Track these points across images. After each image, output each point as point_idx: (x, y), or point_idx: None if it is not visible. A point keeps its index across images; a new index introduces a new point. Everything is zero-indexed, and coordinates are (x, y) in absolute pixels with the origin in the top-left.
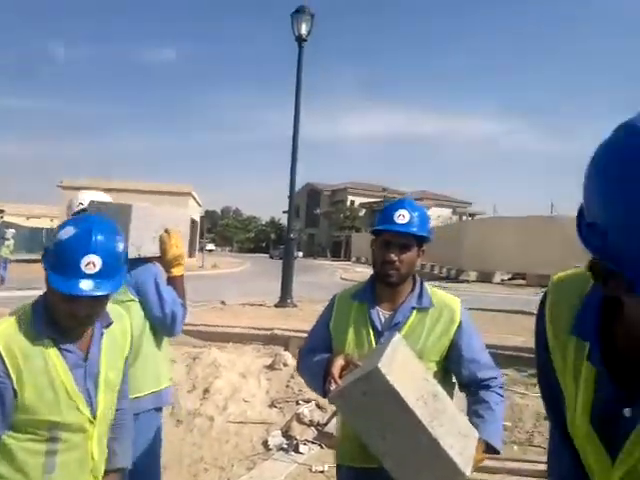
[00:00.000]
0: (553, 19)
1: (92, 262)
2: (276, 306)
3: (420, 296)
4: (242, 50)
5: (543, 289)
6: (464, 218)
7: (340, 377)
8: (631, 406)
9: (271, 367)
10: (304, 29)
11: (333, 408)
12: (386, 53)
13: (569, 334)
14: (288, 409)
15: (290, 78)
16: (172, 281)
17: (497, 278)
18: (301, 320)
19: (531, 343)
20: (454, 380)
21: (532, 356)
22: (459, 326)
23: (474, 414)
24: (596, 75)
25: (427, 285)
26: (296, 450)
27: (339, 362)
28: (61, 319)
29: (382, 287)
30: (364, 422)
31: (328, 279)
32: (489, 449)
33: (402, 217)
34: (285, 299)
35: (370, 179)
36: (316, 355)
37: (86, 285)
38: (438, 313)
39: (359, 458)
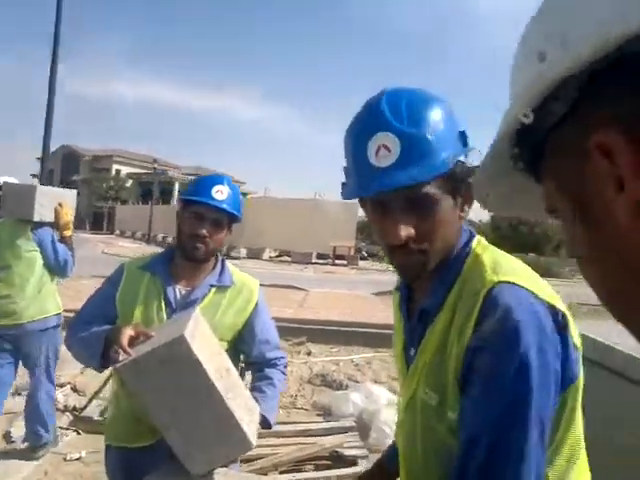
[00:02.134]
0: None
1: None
2: None
3: (221, 274)
4: None
5: (306, 265)
6: None
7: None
8: (415, 347)
9: None
10: None
11: (92, 391)
12: (165, 25)
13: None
14: None
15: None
16: (64, 240)
17: (266, 255)
18: (60, 296)
19: (299, 314)
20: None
21: (298, 326)
22: (255, 307)
23: (257, 389)
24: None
25: (228, 263)
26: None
27: (128, 332)
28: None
29: (182, 262)
30: (154, 394)
31: (88, 253)
32: (264, 423)
33: (220, 193)
34: None
35: (140, 149)
36: (89, 327)
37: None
38: (237, 292)
39: (131, 437)
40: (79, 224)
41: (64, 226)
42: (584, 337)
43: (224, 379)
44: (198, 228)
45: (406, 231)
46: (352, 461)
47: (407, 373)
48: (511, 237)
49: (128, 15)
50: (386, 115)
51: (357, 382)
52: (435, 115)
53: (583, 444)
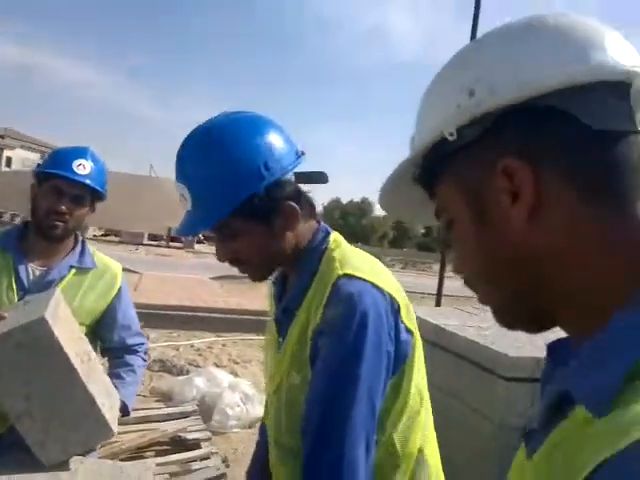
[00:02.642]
0: None
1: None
2: None
3: (82, 255)
4: None
5: (137, 247)
6: None
7: None
8: (283, 337)
9: None
10: None
11: None
12: None
13: None
14: None
15: None
16: None
17: (89, 233)
18: None
19: (134, 298)
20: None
21: (149, 312)
22: (118, 292)
23: (116, 376)
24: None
25: (89, 245)
26: None
27: None
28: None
29: (38, 239)
30: (8, 379)
31: None
32: (123, 409)
33: (82, 167)
34: None
35: None
36: None
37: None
38: (99, 275)
39: None
40: None
41: None
42: (431, 324)
43: (85, 364)
44: (57, 204)
45: (223, 256)
46: (195, 444)
47: (277, 359)
48: (341, 227)
49: None
50: (181, 163)
51: (199, 367)
52: (222, 160)
53: (425, 411)
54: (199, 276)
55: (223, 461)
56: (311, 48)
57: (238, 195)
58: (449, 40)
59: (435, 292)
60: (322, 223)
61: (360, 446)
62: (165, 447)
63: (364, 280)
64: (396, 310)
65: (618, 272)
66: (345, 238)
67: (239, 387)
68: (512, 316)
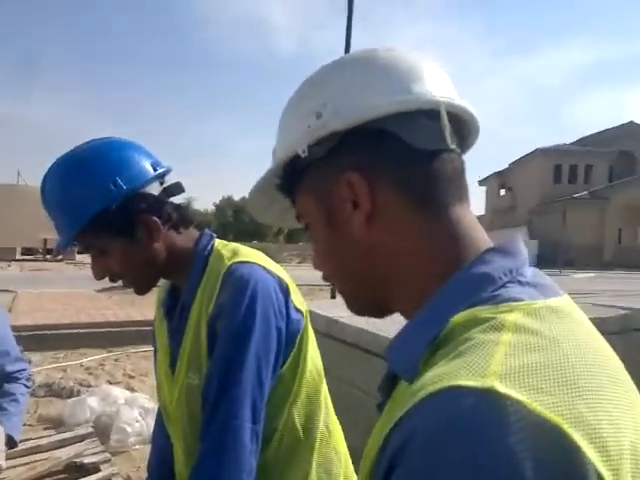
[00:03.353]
0: None
1: None
2: None
3: None
4: None
5: (10, 263)
6: None
7: None
8: (178, 344)
9: None
10: None
11: None
12: None
13: None
14: None
15: None
16: None
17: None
18: None
19: (32, 320)
20: None
21: (29, 333)
22: None
23: None
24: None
25: None
26: None
27: None
28: None
29: None
30: None
31: None
32: (10, 442)
33: None
34: None
35: None
36: None
37: None
38: None
39: None
40: None
41: None
42: (324, 317)
43: None
44: None
45: (97, 273)
46: (94, 468)
47: (174, 368)
48: (234, 224)
49: None
50: (42, 190)
51: (90, 386)
52: (68, 183)
53: (324, 390)
54: (83, 289)
55: None
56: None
57: (86, 213)
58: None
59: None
60: (206, 230)
61: (246, 409)
62: (61, 476)
63: (252, 263)
64: (285, 289)
65: (435, 262)
66: (239, 236)
67: (137, 402)
68: (358, 304)
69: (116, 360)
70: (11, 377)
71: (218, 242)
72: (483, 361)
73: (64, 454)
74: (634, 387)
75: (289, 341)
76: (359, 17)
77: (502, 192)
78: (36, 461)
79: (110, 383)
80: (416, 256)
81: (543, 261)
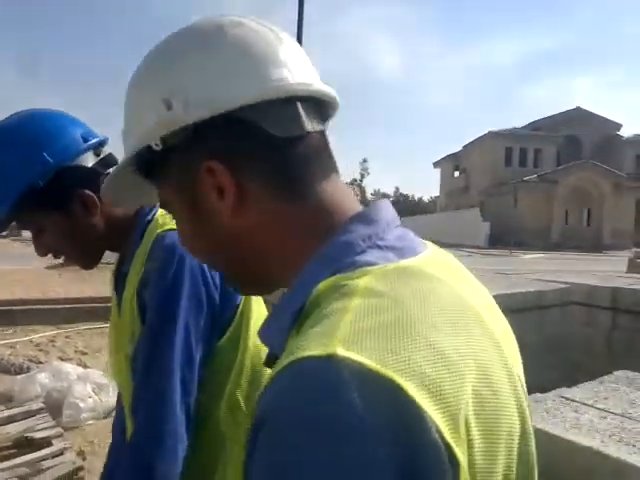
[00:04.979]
0: None
1: None
2: None
3: None
4: None
5: None
6: None
7: None
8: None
9: None
10: None
11: None
12: None
13: None
14: None
15: None
16: None
17: None
18: None
19: None
20: None
21: None
22: None
23: None
24: None
25: None
26: None
27: None
28: None
29: None
30: None
31: None
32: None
33: None
34: None
35: None
36: None
37: None
38: None
39: None
40: None
41: None
42: None
43: None
44: None
45: (39, 251)
46: (45, 443)
47: (117, 338)
48: None
49: None
50: None
51: (40, 363)
52: None
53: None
54: (31, 266)
55: (78, 454)
56: None
57: (12, 190)
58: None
59: None
60: None
61: (175, 381)
62: (10, 451)
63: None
64: None
65: (303, 237)
66: None
67: (89, 378)
68: (237, 282)
69: (67, 337)
70: None
71: (161, 211)
72: (330, 329)
73: (14, 429)
74: (500, 328)
75: (225, 311)
76: None
77: (456, 174)
78: None
79: (62, 360)
80: (285, 235)
81: (495, 242)
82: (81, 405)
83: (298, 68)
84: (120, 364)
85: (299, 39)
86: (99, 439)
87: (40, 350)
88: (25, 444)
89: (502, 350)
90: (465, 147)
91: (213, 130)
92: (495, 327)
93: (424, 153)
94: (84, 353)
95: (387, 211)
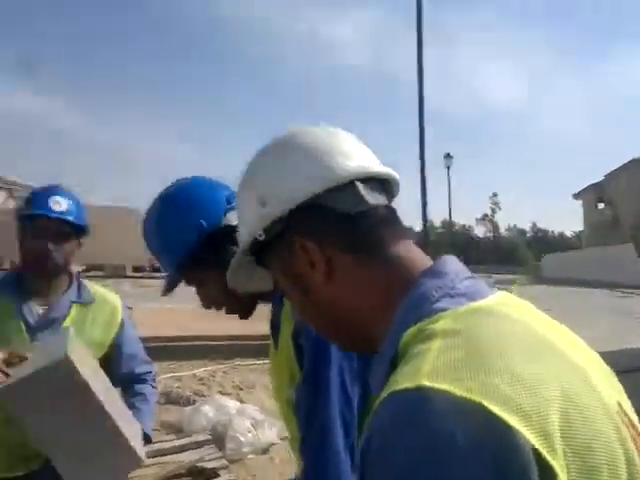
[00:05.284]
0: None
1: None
2: None
3: (79, 290)
4: None
5: (122, 280)
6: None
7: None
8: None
9: None
10: None
11: None
12: None
13: None
14: None
15: None
16: None
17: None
18: None
19: (147, 332)
20: None
21: (146, 345)
22: (121, 324)
23: (131, 406)
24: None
25: (84, 280)
26: None
27: (0, 355)
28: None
29: (33, 280)
30: (39, 418)
31: None
32: (145, 438)
33: (58, 204)
34: None
35: None
36: None
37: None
38: (100, 309)
39: (6, 467)
40: None
41: None
42: None
43: (107, 397)
44: (40, 243)
45: (203, 304)
46: (214, 473)
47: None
48: None
49: None
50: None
51: (204, 396)
52: (160, 234)
53: None
54: (191, 305)
55: None
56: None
57: (177, 253)
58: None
59: None
60: None
61: (335, 422)
62: (185, 478)
63: None
64: None
65: (385, 297)
66: None
67: (247, 413)
68: (340, 343)
69: (225, 372)
70: (140, 379)
71: None
72: (416, 367)
73: (186, 458)
74: (586, 360)
75: None
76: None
77: (600, 205)
78: (161, 463)
79: (222, 394)
80: (370, 294)
81: None
82: (242, 439)
83: (356, 156)
84: (283, 409)
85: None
86: (260, 474)
87: (203, 384)
88: (197, 473)
89: (589, 379)
90: (608, 176)
91: (299, 217)
92: (578, 359)
93: (559, 183)
94: (240, 388)
95: (454, 264)
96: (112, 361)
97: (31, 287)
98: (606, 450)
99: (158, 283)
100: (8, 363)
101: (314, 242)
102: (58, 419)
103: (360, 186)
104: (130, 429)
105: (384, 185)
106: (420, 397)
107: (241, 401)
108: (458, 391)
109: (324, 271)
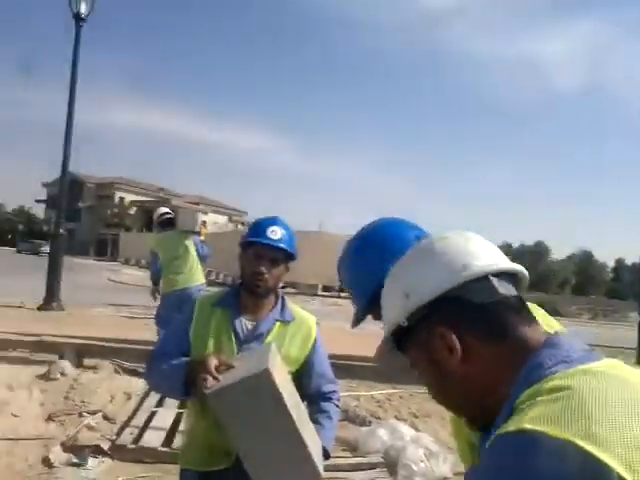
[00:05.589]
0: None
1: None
2: (39, 309)
3: (282, 309)
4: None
5: (313, 298)
6: (239, 227)
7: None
8: None
9: (45, 377)
10: (84, 7)
11: (123, 419)
12: (164, 53)
13: None
14: (70, 422)
15: (59, 57)
16: (203, 242)
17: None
18: (72, 325)
19: (331, 350)
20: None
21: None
22: (314, 342)
23: (315, 422)
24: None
25: (287, 300)
26: (84, 465)
27: (214, 361)
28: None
29: (247, 297)
30: (238, 421)
31: (94, 280)
32: (325, 454)
33: (274, 233)
34: (50, 301)
35: (143, 177)
36: (168, 360)
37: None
38: (297, 327)
39: (205, 462)
40: (83, 250)
41: (204, 235)
42: None
43: (296, 411)
44: (257, 266)
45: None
46: None
47: None
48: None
49: (129, 43)
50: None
51: (379, 418)
52: (353, 270)
53: None
54: (376, 327)
55: None
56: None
57: (368, 292)
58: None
59: (636, 346)
60: None
61: None
62: None
63: None
64: None
65: (507, 367)
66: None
67: (421, 441)
68: (471, 421)
69: (401, 397)
70: (325, 396)
71: None
72: (522, 415)
73: (359, 478)
74: None
75: None
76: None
77: None
78: (335, 478)
79: (397, 419)
80: (498, 370)
81: None
82: (414, 468)
83: (487, 255)
84: (462, 448)
85: None
86: None
87: (379, 406)
88: None
89: None
90: None
91: (437, 307)
92: None
93: None
94: (415, 416)
95: (570, 338)
96: (303, 377)
97: (245, 304)
98: None
99: (345, 303)
100: (217, 369)
101: (450, 329)
102: (253, 425)
103: (494, 280)
104: (313, 444)
105: (513, 278)
106: (519, 436)
107: (416, 429)
108: (554, 430)
109: (460, 355)
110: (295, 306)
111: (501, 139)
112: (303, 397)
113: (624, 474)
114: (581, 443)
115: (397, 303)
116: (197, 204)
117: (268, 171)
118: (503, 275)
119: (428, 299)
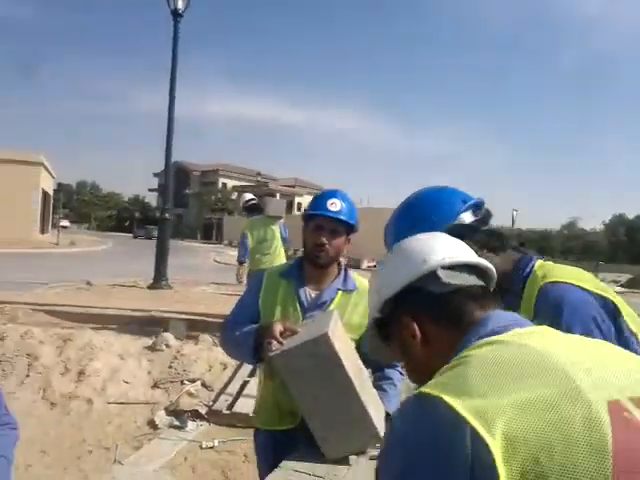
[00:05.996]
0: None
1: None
2: (149, 288)
3: (345, 279)
4: (110, 18)
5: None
6: None
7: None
8: None
9: (152, 348)
10: (180, 3)
11: (219, 386)
12: (258, 43)
13: None
14: (173, 389)
15: (161, 53)
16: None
17: (364, 265)
18: (177, 302)
19: None
20: None
21: None
22: None
23: (379, 388)
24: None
25: (350, 271)
26: (185, 427)
27: (279, 327)
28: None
29: (310, 268)
30: (300, 383)
31: (201, 262)
32: (387, 418)
33: (334, 205)
34: (159, 280)
35: (242, 163)
36: (241, 327)
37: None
38: (360, 297)
39: (275, 421)
40: (191, 234)
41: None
42: None
43: (358, 376)
44: (318, 237)
45: None
46: None
47: None
48: (627, 245)
49: (224, 34)
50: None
51: None
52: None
53: None
54: None
55: None
56: None
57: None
58: None
59: None
60: (529, 253)
61: None
62: None
63: (568, 283)
64: (611, 309)
65: (455, 347)
66: (633, 257)
67: None
68: (419, 381)
69: None
70: (389, 364)
71: (539, 263)
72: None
73: None
74: (601, 373)
75: None
76: None
77: None
78: None
79: None
80: (448, 349)
81: None
82: None
83: (443, 251)
84: None
85: None
86: None
87: None
88: None
89: (575, 395)
90: None
91: (403, 299)
92: (582, 374)
93: None
94: None
95: (501, 313)
96: (366, 344)
97: (308, 274)
98: (564, 452)
99: None
100: (282, 335)
101: (414, 318)
102: (314, 387)
103: (442, 272)
104: (374, 409)
105: (476, 269)
106: (411, 398)
107: None
108: (434, 391)
109: (420, 339)
110: (359, 277)
111: None
112: (367, 363)
113: (479, 428)
114: (446, 398)
115: (372, 299)
116: (292, 187)
117: (360, 150)
118: (464, 267)
119: (393, 292)
